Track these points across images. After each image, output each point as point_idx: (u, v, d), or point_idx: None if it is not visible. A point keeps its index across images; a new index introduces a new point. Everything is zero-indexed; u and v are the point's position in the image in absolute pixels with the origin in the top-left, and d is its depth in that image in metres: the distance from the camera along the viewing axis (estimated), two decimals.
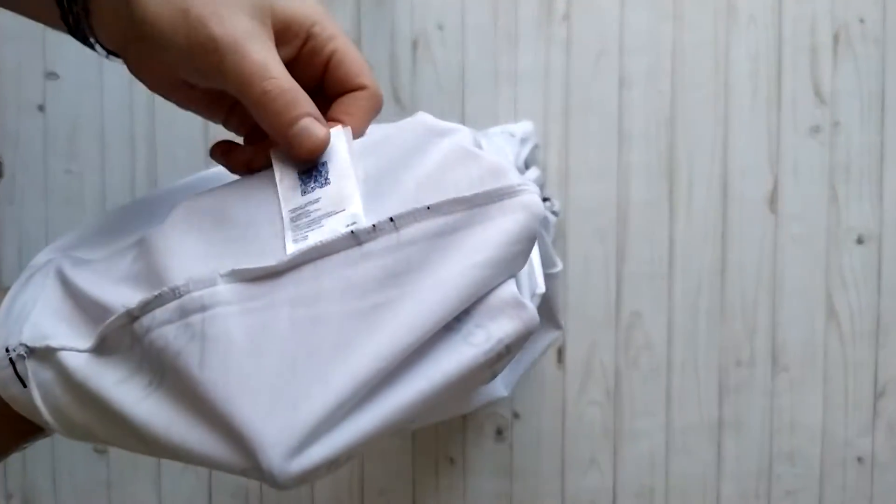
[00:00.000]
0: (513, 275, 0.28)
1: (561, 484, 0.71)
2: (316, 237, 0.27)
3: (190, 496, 0.72)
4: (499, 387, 0.45)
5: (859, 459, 0.71)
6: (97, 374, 0.28)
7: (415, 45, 0.69)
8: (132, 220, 0.34)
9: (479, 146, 0.33)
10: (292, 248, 0.27)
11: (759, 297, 0.70)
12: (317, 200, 0.28)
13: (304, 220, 0.28)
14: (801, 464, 0.71)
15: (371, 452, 0.71)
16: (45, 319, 0.29)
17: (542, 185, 0.66)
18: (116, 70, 0.71)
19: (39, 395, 0.29)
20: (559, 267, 0.46)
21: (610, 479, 0.71)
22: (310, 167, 0.29)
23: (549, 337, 0.49)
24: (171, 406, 0.27)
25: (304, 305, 0.27)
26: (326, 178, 0.29)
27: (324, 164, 0.29)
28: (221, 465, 0.27)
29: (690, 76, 0.69)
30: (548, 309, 0.47)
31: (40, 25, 0.68)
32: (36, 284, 0.31)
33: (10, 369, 0.29)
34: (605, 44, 0.69)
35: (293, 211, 0.28)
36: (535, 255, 0.34)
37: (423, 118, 0.32)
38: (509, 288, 0.27)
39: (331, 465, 0.26)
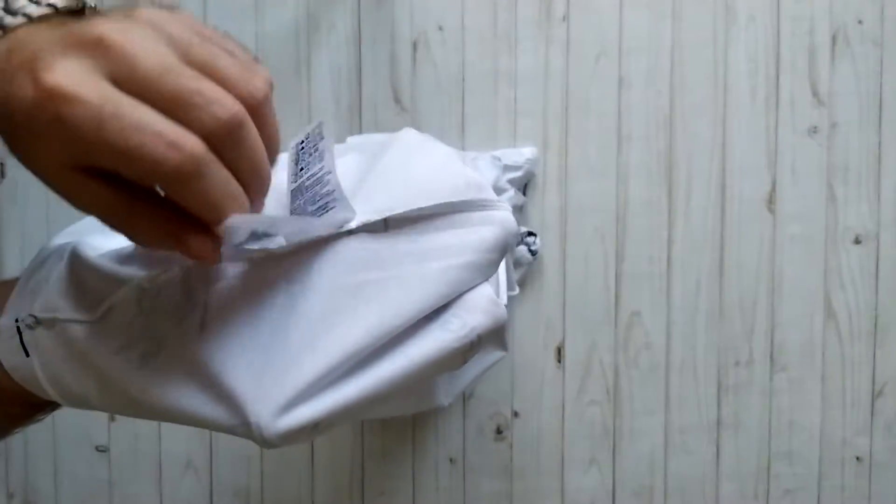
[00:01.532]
0: (486, 279, 0.31)
1: (560, 483, 0.71)
2: (312, 232, 0.29)
3: (191, 496, 0.72)
4: (441, 396, 0.47)
5: (857, 459, 0.71)
6: (98, 343, 0.30)
7: (415, 45, 0.69)
8: None
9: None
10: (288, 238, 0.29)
11: (757, 296, 0.70)
12: (315, 182, 0.30)
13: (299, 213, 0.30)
14: (800, 463, 0.71)
15: (371, 452, 0.71)
16: (56, 294, 0.31)
17: (521, 207, 0.67)
18: None
19: (39, 365, 0.30)
20: (516, 291, 0.50)
21: (609, 478, 0.71)
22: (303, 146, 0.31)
23: (494, 357, 0.51)
24: (167, 372, 0.29)
25: (299, 281, 0.29)
26: (318, 178, 0.30)
27: (307, 167, 0.30)
28: (212, 423, 0.29)
29: (689, 77, 0.69)
30: (497, 331, 0.49)
31: None
32: (49, 265, 0.32)
33: (17, 338, 0.31)
34: (604, 45, 0.69)
35: (293, 192, 0.30)
36: (502, 268, 0.36)
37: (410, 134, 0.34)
38: (485, 288, 0.30)
39: (314, 428, 0.28)
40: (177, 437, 0.72)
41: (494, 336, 0.45)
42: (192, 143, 0.22)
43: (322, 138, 0.30)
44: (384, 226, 0.30)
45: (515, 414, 0.71)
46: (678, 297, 0.70)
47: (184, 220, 0.25)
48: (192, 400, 0.29)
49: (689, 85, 0.69)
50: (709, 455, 0.71)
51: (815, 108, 0.69)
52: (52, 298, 0.31)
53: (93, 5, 0.25)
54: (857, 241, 0.70)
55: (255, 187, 0.25)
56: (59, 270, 0.31)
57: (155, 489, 0.72)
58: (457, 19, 0.69)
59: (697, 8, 0.69)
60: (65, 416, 0.72)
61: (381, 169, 0.32)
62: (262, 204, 0.27)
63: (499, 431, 0.71)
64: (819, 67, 0.69)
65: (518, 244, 0.67)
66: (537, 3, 0.69)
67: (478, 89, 0.69)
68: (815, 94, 0.69)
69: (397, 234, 0.30)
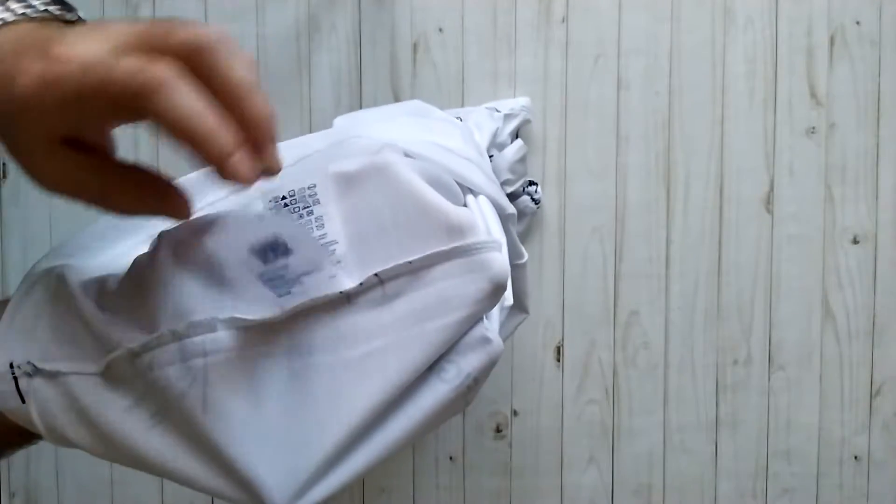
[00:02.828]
0: (481, 319, 0.31)
1: (559, 481, 0.71)
2: (302, 294, 0.29)
3: (193, 495, 0.72)
4: None
5: (856, 458, 0.71)
6: (103, 400, 0.29)
7: (415, 47, 0.69)
8: (127, 225, 0.35)
9: (468, 132, 0.34)
10: (279, 303, 0.29)
11: (755, 296, 0.70)
12: (284, 266, 0.29)
13: (280, 279, 0.29)
14: (798, 462, 0.71)
15: None
16: (52, 338, 0.30)
17: (524, 156, 0.67)
18: None
19: (37, 412, 0.30)
20: (525, 258, 0.50)
21: (608, 477, 0.71)
22: (262, 242, 0.30)
23: (517, 320, 0.54)
24: (176, 439, 0.29)
25: (300, 356, 0.29)
26: (286, 249, 0.29)
27: (280, 239, 0.29)
28: (227, 499, 0.29)
29: (688, 78, 0.69)
30: (516, 297, 0.52)
31: None
32: (37, 296, 0.31)
33: (13, 385, 0.30)
34: (602, 46, 0.69)
35: (261, 276, 0.29)
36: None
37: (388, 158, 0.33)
38: (477, 328, 0.30)
39: (328, 500, 0.29)
40: None
41: (514, 301, 0.46)
42: (159, 66, 0.25)
43: (318, 203, 0.30)
44: (380, 282, 0.30)
45: (515, 413, 0.71)
46: (676, 297, 0.70)
47: (153, 184, 0.28)
48: (208, 475, 0.29)
49: (687, 86, 0.69)
50: (707, 454, 0.71)
51: (813, 109, 0.70)
52: (49, 347, 0.30)
53: (58, 13, 0.28)
54: (855, 241, 0.70)
55: (248, 113, 0.26)
56: (49, 311, 0.31)
57: (156, 488, 0.73)
58: (457, 21, 0.69)
59: (696, 9, 0.69)
60: None
61: (365, 211, 0.31)
62: (269, 150, 0.27)
63: (498, 430, 0.71)
64: (817, 68, 0.70)
65: (521, 194, 0.67)
66: (537, 4, 0.69)
67: (478, 90, 0.69)
68: (813, 94, 0.70)
69: (395, 293, 0.29)
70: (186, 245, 0.30)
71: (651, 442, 0.71)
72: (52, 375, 0.30)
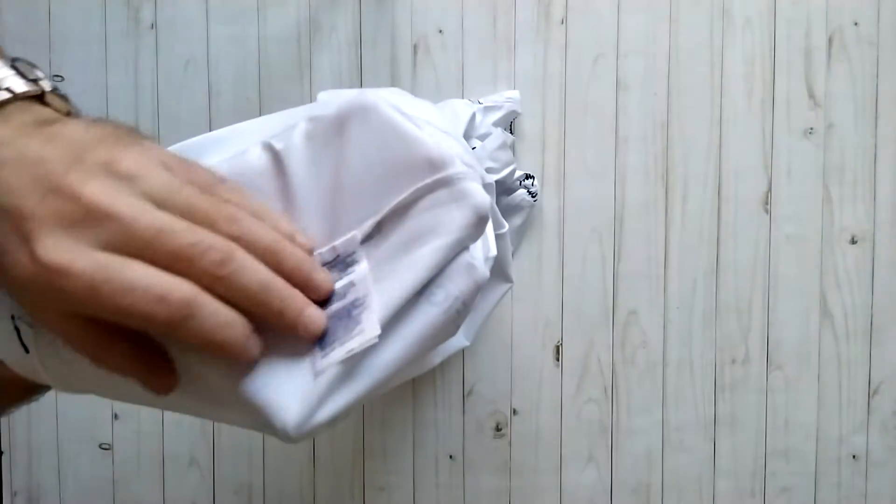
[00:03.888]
0: (467, 248, 0.32)
1: (559, 480, 0.72)
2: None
3: (194, 493, 0.73)
4: (461, 338, 0.51)
5: (853, 457, 0.71)
6: None
7: (415, 48, 0.70)
8: None
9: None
10: None
11: (753, 296, 0.70)
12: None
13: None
14: (796, 461, 0.71)
15: (372, 449, 0.72)
16: None
17: (505, 144, 0.67)
18: (121, 72, 0.71)
19: (40, 362, 0.30)
20: (505, 228, 0.53)
21: (607, 475, 0.72)
22: None
23: (502, 289, 0.57)
24: (184, 377, 0.29)
25: None
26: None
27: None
28: (235, 423, 0.31)
29: (686, 79, 0.70)
30: (498, 266, 0.55)
31: (45, 28, 0.69)
32: None
33: (16, 336, 0.30)
34: (601, 47, 0.70)
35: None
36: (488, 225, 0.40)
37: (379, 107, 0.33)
38: (463, 256, 0.32)
39: (332, 422, 0.30)
40: (180, 435, 0.73)
41: (497, 270, 0.46)
42: (178, 293, 0.24)
43: (357, 273, 0.31)
44: (378, 227, 0.31)
45: (514, 412, 0.71)
46: (675, 297, 0.70)
47: (149, 356, 0.27)
48: (212, 405, 0.30)
49: (685, 87, 0.70)
50: (705, 453, 0.71)
51: (811, 110, 0.70)
52: None
53: (51, 89, 0.27)
54: (853, 241, 0.70)
55: (274, 308, 0.27)
56: None
57: (158, 486, 0.73)
58: (456, 22, 0.70)
59: (694, 11, 0.69)
60: (68, 415, 0.73)
61: (351, 163, 0.32)
62: (316, 281, 0.29)
63: (498, 429, 0.72)
64: (815, 69, 0.70)
65: (517, 188, 0.68)
66: (536, 6, 0.69)
67: (477, 91, 0.70)
68: (811, 95, 0.70)
69: (387, 232, 0.31)
70: None
71: (650, 441, 0.71)
72: None
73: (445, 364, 0.71)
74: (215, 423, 0.72)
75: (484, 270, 0.32)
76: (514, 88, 0.70)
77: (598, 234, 0.70)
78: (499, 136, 0.66)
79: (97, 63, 0.71)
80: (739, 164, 0.70)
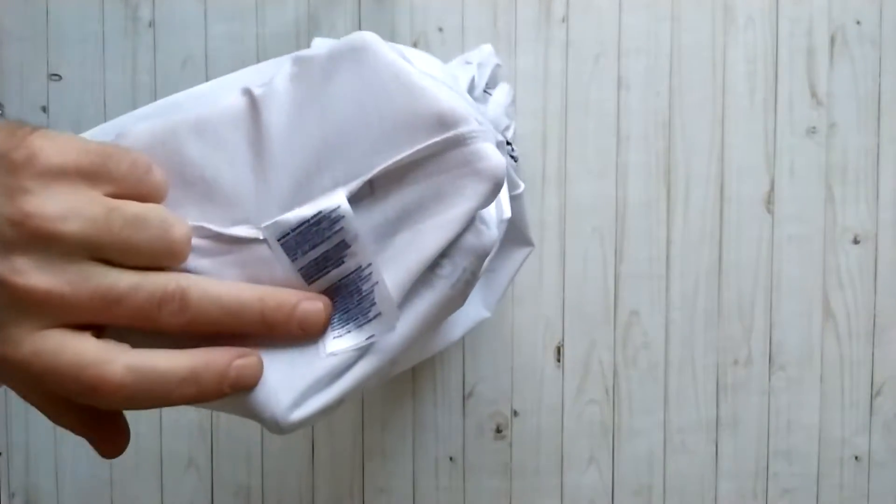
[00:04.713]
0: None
1: (560, 481, 0.71)
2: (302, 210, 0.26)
3: (192, 495, 0.72)
4: (481, 309, 0.47)
5: (856, 458, 0.71)
6: None
7: (415, 46, 0.69)
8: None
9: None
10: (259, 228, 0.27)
11: (755, 296, 0.70)
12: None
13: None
14: (798, 462, 0.71)
15: (372, 450, 0.72)
16: None
17: (513, 98, 0.65)
18: (119, 71, 0.71)
19: None
20: (521, 188, 0.47)
21: (608, 477, 0.71)
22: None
23: (523, 253, 0.51)
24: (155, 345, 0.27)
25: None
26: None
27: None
28: (219, 408, 0.27)
29: (688, 78, 0.69)
30: (516, 229, 0.49)
31: (43, 27, 0.69)
32: None
33: None
34: (603, 46, 0.69)
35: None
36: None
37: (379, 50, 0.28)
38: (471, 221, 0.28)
39: (326, 411, 0.27)
40: (178, 436, 0.72)
41: (515, 233, 0.42)
42: (110, 375, 0.22)
43: (348, 231, 0.26)
44: (370, 188, 0.27)
45: (515, 413, 0.71)
46: (677, 297, 0.70)
47: (103, 421, 0.26)
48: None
49: (687, 86, 0.69)
50: (707, 454, 0.71)
51: (814, 109, 0.70)
52: None
53: None
54: (856, 242, 0.70)
55: (258, 322, 0.25)
56: None
57: (156, 488, 0.73)
58: (457, 20, 0.69)
59: (696, 9, 0.69)
60: None
61: (341, 112, 0.27)
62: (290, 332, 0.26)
63: (498, 430, 0.71)
64: (817, 68, 0.70)
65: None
66: (537, 4, 0.69)
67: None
68: (813, 94, 0.70)
69: (385, 195, 0.27)
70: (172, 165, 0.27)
71: (651, 442, 0.71)
72: None
73: (445, 365, 0.71)
74: (214, 424, 0.72)
75: (493, 235, 0.28)
76: (515, 87, 0.69)
77: (599, 233, 0.70)
78: (508, 89, 0.64)
79: (95, 61, 0.71)
80: (741, 164, 0.70)
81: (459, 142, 0.26)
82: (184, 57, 0.71)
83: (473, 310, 0.46)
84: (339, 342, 0.26)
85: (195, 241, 0.26)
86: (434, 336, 0.35)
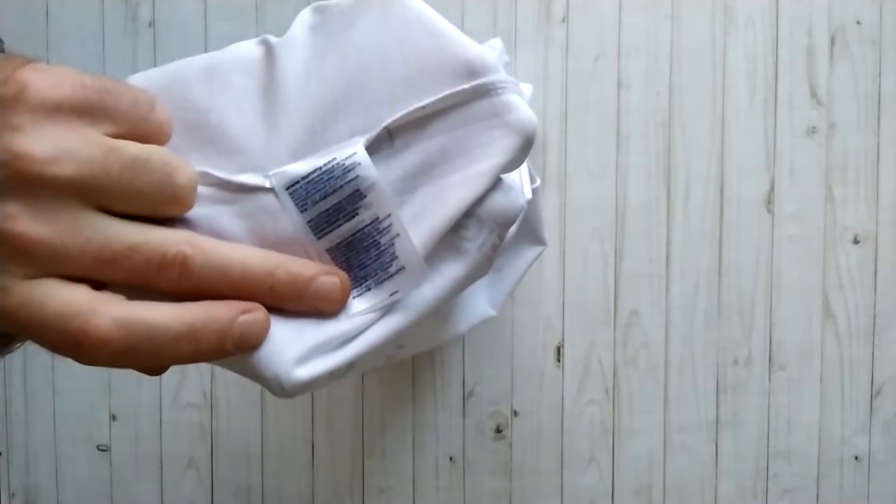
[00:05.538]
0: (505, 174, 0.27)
1: (560, 482, 0.71)
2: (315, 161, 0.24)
3: (192, 494, 0.72)
4: (487, 308, 0.44)
5: (856, 458, 0.71)
6: None
7: None
8: None
9: None
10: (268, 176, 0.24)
11: (756, 296, 0.70)
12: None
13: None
14: (799, 462, 0.71)
15: (371, 450, 0.72)
16: None
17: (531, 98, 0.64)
18: (119, 71, 0.71)
19: None
20: (537, 182, 0.44)
21: (608, 477, 0.71)
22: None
23: (534, 252, 0.49)
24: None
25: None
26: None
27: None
28: (220, 362, 0.25)
29: (688, 77, 0.69)
30: (528, 225, 0.47)
31: (43, 27, 0.69)
32: None
33: None
34: (603, 46, 0.69)
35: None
36: (522, 165, 0.33)
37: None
38: (497, 182, 0.26)
39: (334, 374, 0.25)
40: (178, 436, 0.72)
41: (527, 230, 0.39)
42: (94, 328, 0.20)
43: (363, 180, 0.24)
44: (388, 136, 0.25)
45: (515, 413, 0.71)
46: (677, 297, 0.70)
47: None
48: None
49: (687, 86, 0.69)
50: (707, 454, 0.71)
51: (814, 109, 0.70)
52: None
53: None
54: (856, 242, 0.70)
55: (268, 292, 0.23)
56: None
57: (156, 488, 0.73)
58: (456, 20, 0.69)
59: (696, 9, 0.69)
60: (66, 416, 0.73)
61: (362, 57, 0.25)
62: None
63: (498, 430, 0.71)
64: (818, 68, 0.69)
65: None
66: (537, 4, 0.69)
67: None
68: (813, 94, 0.70)
69: (405, 144, 0.25)
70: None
71: (651, 442, 0.71)
72: None
73: (445, 365, 0.71)
74: (214, 424, 0.72)
75: (521, 199, 0.26)
76: None
77: (599, 233, 0.70)
78: (530, 89, 0.64)
79: (95, 61, 0.71)
80: (742, 164, 0.70)
81: (488, 91, 0.24)
82: (183, 57, 0.70)
83: (480, 306, 0.45)
84: (360, 302, 0.25)
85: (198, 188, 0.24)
86: (442, 324, 0.33)
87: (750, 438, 0.71)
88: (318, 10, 0.26)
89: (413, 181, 0.25)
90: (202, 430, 0.72)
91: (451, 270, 0.25)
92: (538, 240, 0.48)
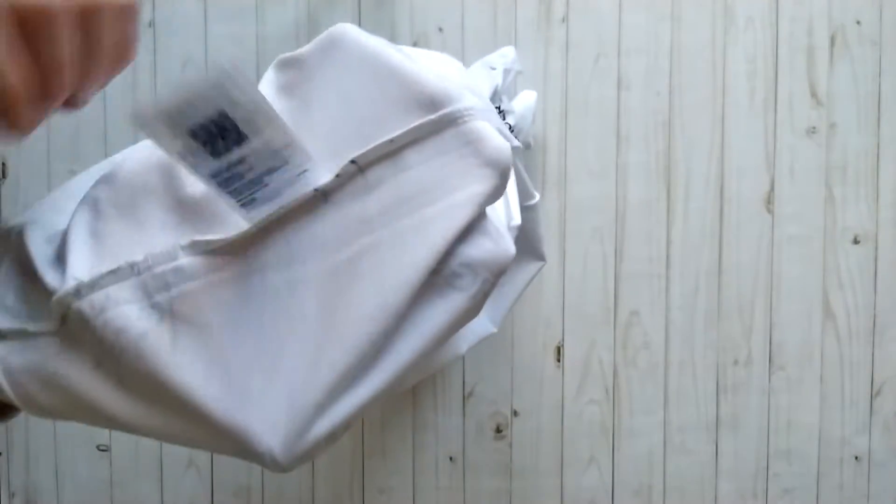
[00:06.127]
0: (485, 214, 0.26)
1: (560, 481, 0.71)
2: (269, 200, 0.25)
3: (192, 495, 0.72)
4: (487, 324, 0.45)
5: (856, 458, 0.71)
6: (67, 362, 0.26)
7: (415, 46, 0.69)
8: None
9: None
10: (247, 216, 0.25)
11: (755, 296, 0.70)
12: (241, 161, 0.23)
13: (239, 180, 0.24)
14: (798, 462, 0.71)
15: (372, 450, 0.72)
16: (13, 296, 0.27)
17: (533, 115, 0.65)
18: None
19: (7, 382, 0.27)
20: (536, 198, 0.45)
21: (608, 477, 0.71)
22: (202, 122, 0.22)
23: (533, 268, 0.49)
24: (143, 392, 0.25)
25: (277, 270, 0.25)
26: (239, 134, 0.23)
27: (223, 115, 0.22)
28: (220, 450, 0.25)
29: (688, 78, 0.69)
30: (528, 241, 0.47)
31: None
32: (2, 248, 0.28)
33: None
34: (603, 46, 0.69)
35: (215, 177, 0.24)
36: (510, 187, 0.33)
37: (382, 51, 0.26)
38: (485, 224, 0.26)
39: (330, 438, 0.25)
40: None
41: (526, 245, 0.38)
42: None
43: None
44: (359, 171, 0.25)
45: (515, 413, 0.71)
46: (677, 297, 0.70)
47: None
48: (181, 425, 0.25)
49: (687, 86, 0.69)
50: (707, 454, 0.71)
51: (814, 109, 0.70)
52: (11, 303, 0.27)
53: None
54: (856, 241, 0.70)
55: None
56: (11, 272, 0.27)
57: (156, 488, 0.73)
58: (457, 20, 0.69)
59: (696, 10, 0.69)
60: None
61: (328, 92, 0.26)
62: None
63: (498, 430, 0.71)
64: (817, 68, 0.69)
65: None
66: (537, 4, 0.69)
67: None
68: (813, 94, 0.70)
69: (378, 180, 0.25)
70: (143, 173, 0.26)
71: (651, 442, 0.71)
72: (19, 336, 0.26)
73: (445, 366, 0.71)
74: None
75: (509, 243, 0.26)
76: (514, 86, 0.69)
77: (599, 233, 0.70)
78: (533, 96, 0.63)
79: None
80: (742, 164, 0.70)
81: (455, 120, 0.25)
82: (184, 58, 0.71)
83: (480, 325, 0.45)
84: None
85: None
86: (441, 349, 0.34)
87: (750, 438, 0.71)
88: (281, 67, 0.27)
89: (392, 215, 0.25)
90: None
91: (444, 317, 0.25)
92: (538, 255, 0.49)
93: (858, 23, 0.69)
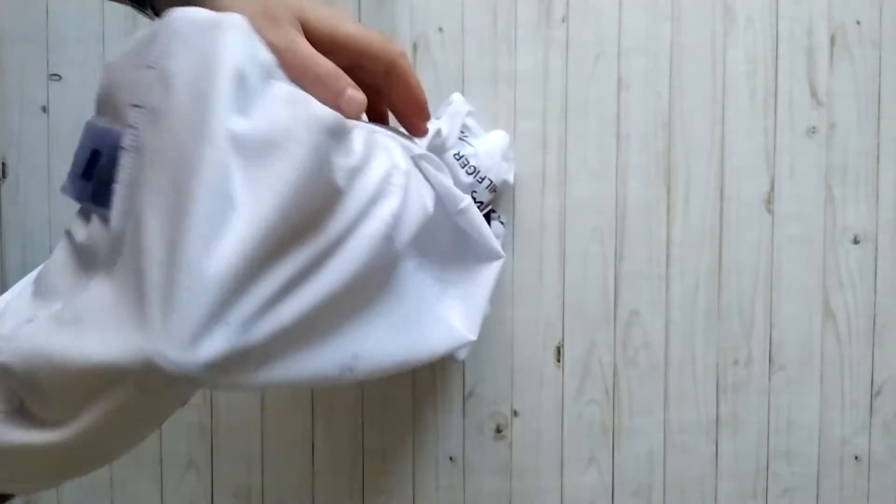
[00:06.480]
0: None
1: (560, 482, 0.71)
2: None
3: (192, 495, 0.72)
4: (464, 332, 0.44)
5: (856, 458, 0.71)
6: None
7: (415, 47, 0.69)
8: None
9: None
10: None
11: (756, 296, 0.70)
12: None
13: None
14: (798, 462, 0.71)
15: (371, 451, 0.72)
16: None
17: (510, 144, 0.66)
18: None
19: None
20: (466, 202, 0.44)
21: (608, 477, 0.71)
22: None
23: (494, 268, 0.47)
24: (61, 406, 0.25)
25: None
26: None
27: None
28: (142, 409, 0.23)
29: (688, 78, 0.69)
30: (476, 244, 0.46)
31: (43, 27, 0.69)
32: None
33: None
34: (603, 45, 0.69)
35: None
36: (444, 178, 0.39)
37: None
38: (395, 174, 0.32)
39: (247, 355, 0.22)
40: (178, 436, 0.72)
41: (477, 248, 0.43)
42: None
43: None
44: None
45: (515, 413, 0.71)
46: (677, 297, 0.70)
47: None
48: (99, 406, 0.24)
49: (687, 86, 0.69)
50: (707, 454, 0.71)
51: (814, 109, 0.70)
52: None
53: None
54: (856, 241, 0.70)
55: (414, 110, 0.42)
56: None
57: (156, 488, 0.73)
58: (457, 21, 0.69)
59: (696, 9, 0.69)
60: None
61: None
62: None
63: (498, 430, 0.71)
64: (818, 68, 0.69)
65: (489, 222, 0.66)
66: (537, 4, 0.69)
67: (477, 90, 0.69)
68: (813, 94, 0.70)
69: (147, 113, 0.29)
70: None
71: (651, 442, 0.71)
72: None
73: (445, 366, 0.71)
74: (214, 424, 0.72)
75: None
76: (514, 86, 0.69)
77: (599, 233, 0.70)
78: (502, 136, 0.65)
79: (95, 62, 0.71)
80: (742, 164, 0.70)
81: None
82: None
83: (455, 331, 0.44)
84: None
85: None
86: (403, 338, 0.34)
87: (750, 438, 0.71)
88: None
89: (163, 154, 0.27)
90: (202, 430, 0.72)
91: (360, 247, 0.29)
92: (493, 254, 0.47)
93: (858, 23, 0.69)
